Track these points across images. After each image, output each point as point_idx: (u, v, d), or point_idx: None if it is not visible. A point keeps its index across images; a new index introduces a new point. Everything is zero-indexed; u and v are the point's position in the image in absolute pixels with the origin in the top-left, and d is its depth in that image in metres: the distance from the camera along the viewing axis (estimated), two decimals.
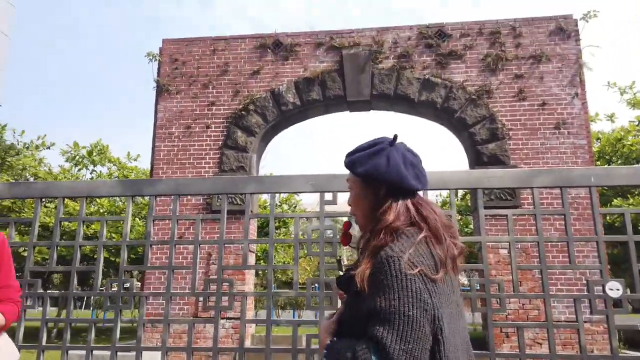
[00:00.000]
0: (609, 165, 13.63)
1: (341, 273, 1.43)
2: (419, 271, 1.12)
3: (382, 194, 1.29)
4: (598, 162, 13.20)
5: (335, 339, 1.23)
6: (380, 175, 1.27)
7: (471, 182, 3.57)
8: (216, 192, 3.82)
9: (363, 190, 1.34)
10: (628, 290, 3.25)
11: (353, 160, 1.35)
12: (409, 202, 1.28)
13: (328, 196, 3.99)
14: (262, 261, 18.75)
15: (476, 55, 8.02)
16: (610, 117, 13.30)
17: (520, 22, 8.08)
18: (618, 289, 3.25)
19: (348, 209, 1.45)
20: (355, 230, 1.46)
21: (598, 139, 13.77)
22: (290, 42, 8.40)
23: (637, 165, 3.00)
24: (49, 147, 19.44)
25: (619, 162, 13.20)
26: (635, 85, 12.39)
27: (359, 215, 1.38)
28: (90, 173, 18.83)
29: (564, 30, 7.92)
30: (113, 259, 15.08)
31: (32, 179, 18.73)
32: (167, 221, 7.65)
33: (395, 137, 1.35)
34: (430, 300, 1.11)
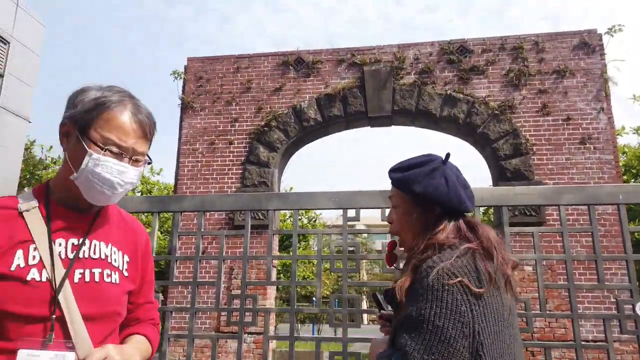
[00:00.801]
0: (636, 179, 13.30)
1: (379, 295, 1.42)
2: (458, 281, 1.06)
3: (435, 214, 1.24)
4: (625, 177, 12.90)
5: (381, 351, 1.21)
6: (440, 196, 1.22)
7: (497, 199, 3.54)
8: (239, 208, 3.87)
9: (414, 209, 1.28)
10: None
11: (407, 178, 1.27)
12: (460, 222, 1.24)
13: (350, 212, 4.01)
14: (281, 275, 18.75)
15: (498, 71, 7.98)
16: (637, 130, 13.05)
17: (543, 37, 8.04)
18: None
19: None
20: (399, 250, 1.44)
21: (624, 152, 13.49)
22: (312, 59, 8.51)
23: None
24: None
25: None
26: None
27: (407, 234, 1.31)
28: None
29: (588, 44, 7.85)
30: None
31: None
32: (190, 236, 7.76)
33: (448, 155, 1.30)
34: (469, 313, 1.04)
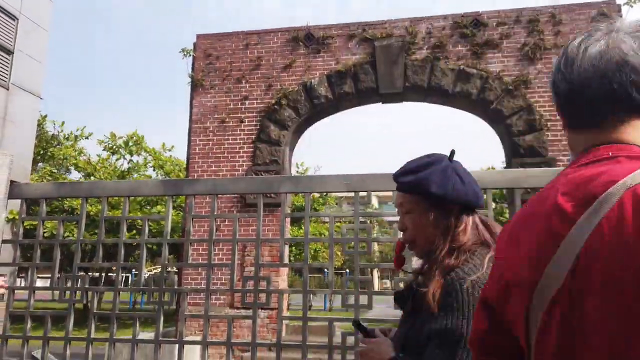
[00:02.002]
0: None
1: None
2: None
3: (455, 213, 1.22)
4: None
5: (401, 355, 1.19)
6: (460, 194, 1.21)
7: (509, 182, 3.52)
8: (252, 191, 3.89)
9: (431, 211, 1.24)
10: None
11: (422, 179, 1.23)
12: (477, 219, 1.24)
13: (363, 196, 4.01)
14: (293, 248, 18.98)
15: (513, 44, 7.81)
16: None
17: (559, 8, 7.81)
18: None
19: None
20: (408, 253, 1.42)
21: None
22: (322, 34, 8.39)
23: None
24: (87, 138, 20.14)
25: None
26: None
27: (421, 239, 1.27)
28: (128, 162, 19.39)
29: (606, 16, 7.61)
30: (150, 246, 15.57)
31: (72, 168, 19.48)
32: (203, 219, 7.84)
33: (453, 152, 1.28)
34: None
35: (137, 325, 3.71)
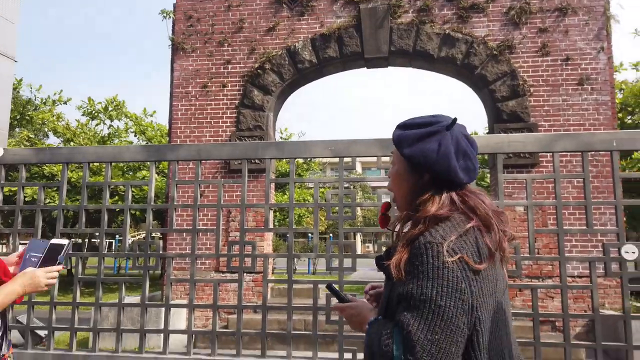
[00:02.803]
0: (633, 117, 13.28)
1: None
2: (459, 258, 1.06)
3: (424, 181, 1.20)
4: (620, 114, 12.86)
5: (379, 317, 1.20)
6: (427, 162, 1.18)
7: (492, 147, 3.57)
8: (236, 157, 3.89)
9: (406, 171, 1.25)
10: None
11: (402, 137, 1.23)
12: (453, 193, 1.19)
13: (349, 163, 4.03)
14: (277, 213, 19.09)
15: (499, 8, 7.73)
16: (636, 66, 12.83)
17: None
18: (634, 252, 3.29)
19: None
20: (394, 212, 1.42)
21: (622, 89, 13.36)
22: None
23: None
24: (65, 103, 19.62)
25: None
26: None
27: (397, 194, 1.29)
28: (108, 128, 19.02)
29: None
30: (133, 212, 15.48)
31: (51, 134, 19.06)
32: (187, 185, 7.78)
33: (455, 120, 1.23)
34: (468, 290, 1.05)
35: (123, 289, 3.74)
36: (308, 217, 23.98)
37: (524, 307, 6.50)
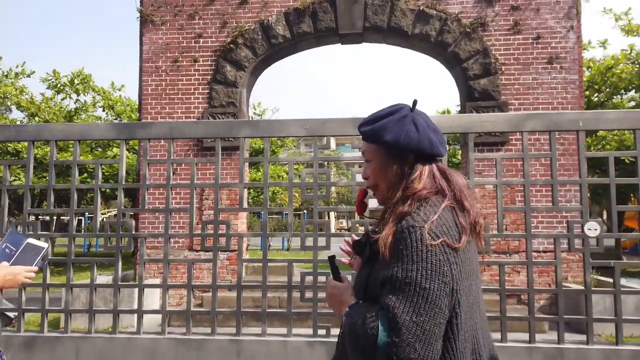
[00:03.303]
0: (599, 94, 13.62)
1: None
2: (441, 242, 1.10)
3: (410, 161, 1.25)
4: (587, 92, 13.17)
5: (360, 301, 1.23)
6: (412, 142, 1.23)
7: (463, 126, 3.63)
8: (210, 136, 3.84)
9: (389, 159, 1.28)
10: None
11: (377, 128, 1.28)
12: (434, 167, 1.26)
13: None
14: (251, 190, 18.99)
15: None
16: (603, 44, 13.07)
17: None
18: (596, 229, 3.43)
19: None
20: (370, 200, 1.45)
21: (589, 67, 13.64)
22: None
23: (625, 110, 3.06)
24: (29, 76, 18.80)
25: (608, 91, 13.19)
26: (631, 11, 12.13)
27: (382, 186, 1.32)
28: (75, 102, 18.41)
29: None
30: (104, 190, 15.15)
31: (14, 108, 18.31)
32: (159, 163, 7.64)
33: (415, 102, 1.30)
34: (449, 273, 1.10)
35: (95, 270, 3.70)
36: (282, 193, 23.94)
37: (492, 281, 6.73)
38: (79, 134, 3.85)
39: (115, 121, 18.99)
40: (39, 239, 2.02)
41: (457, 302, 1.12)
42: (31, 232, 3.70)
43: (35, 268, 1.82)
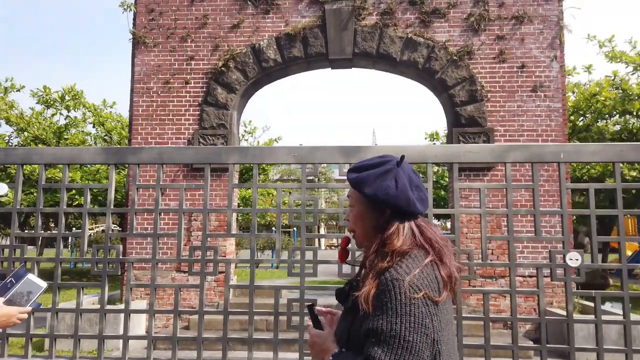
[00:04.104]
0: (584, 118, 13.91)
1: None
2: (423, 295, 1.14)
3: (387, 215, 1.29)
4: (572, 117, 13.46)
5: (343, 350, 1.26)
6: (389, 198, 1.27)
7: (448, 156, 3.71)
8: (199, 161, 3.88)
9: (367, 210, 1.33)
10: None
11: (360, 179, 1.32)
12: (413, 224, 1.28)
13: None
14: (241, 206, 18.98)
15: (460, 14, 7.95)
16: (588, 69, 13.39)
17: None
18: (577, 259, 3.51)
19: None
20: (353, 246, 1.49)
21: (574, 92, 13.95)
22: None
23: (604, 143, 3.17)
24: (18, 90, 18.75)
25: (593, 116, 13.49)
26: (614, 39, 12.49)
27: (358, 232, 1.37)
28: (65, 118, 18.35)
29: None
30: (92, 205, 15.03)
31: (2, 122, 18.18)
32: (148, 182, 7.65)
33: (403, 157, 1.34)
34: (431, 325, 1.14)
35: (82, 294, 3.68)
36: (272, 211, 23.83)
37: (478, 305, 6.78)
38: (69, 158, 3.87)
39: (105, 137, 18.94)
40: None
41: (438, 352, 1.16)
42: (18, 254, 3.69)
43: (29, 309, 1.82)
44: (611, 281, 13.46)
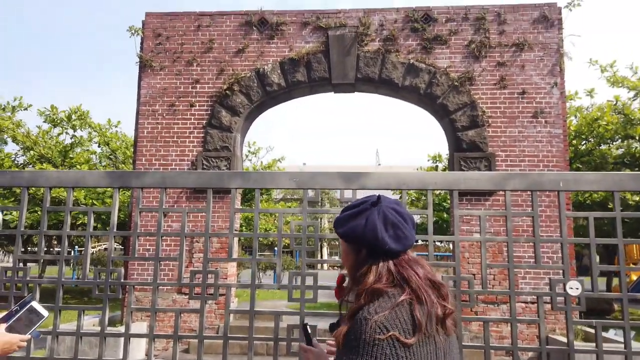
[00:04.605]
0: (586, 143, 13.95)
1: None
2: (390, 336, 1.10)
3: (362, 255, 1.29)
4: (575, 141, 13.51)
5: None
6: (357, 237, 1.28)
7: (449, 183, 3.74)
8: (201, 186, 3.92)
9: (347, 249, 1.36)
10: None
11: (337, 219, 1.37)
12: (390, 263, 1.26)
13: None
14: (244, 227, 18.97)
15: (461, 41, 8.08)
16: (590, 92, 13.48)
17: (505, 8, 8.14)
18: (577, 288, 3.51)
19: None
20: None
21: (576, 116, 14.02)
22: (276, 20, 8.33)
23: (603, 172, 3.19)
24: (26, 109, 19.00)
25: (594, 141, 13.54)
26: (616, 64, 12.60)
27: (346, 269, 1.39)
28: (71, 138, 18.54)
29: (547, 18, 8.02)
30: (95, 224, 15.05)
31: (9, 140, 18.37)
32: (151, 205, 7.70)
33: (378, 198, 1.34)
34: None
35: (82, 317, 3.69)
36: (274, 230, 23.84)
37: (480, 331, 6.73)
38: (74, 181, 3.92)
39: (110, 156, 19.08)
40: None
41: None
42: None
43: (29, 337, 1.86)
44: (616, 306, 13.31)
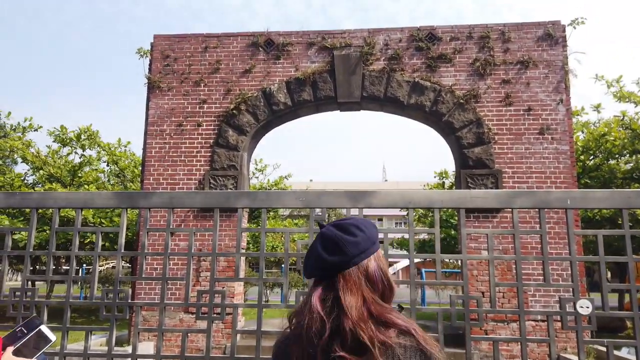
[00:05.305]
0: (594, 158, 13.89)
1: None
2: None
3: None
4: (582, 156, 13.45)
5: None
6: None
7: (455, 202, 3.74)
8: (208, 206, 3.94)
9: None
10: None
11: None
12: (315, 292, 1.14)
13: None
14: (251, 245, 18.94)
15: (465, 59, 8.15)
16: (597, 108, 13.46)
17: (509, 26, 8.22)
18: (588, 307, 3.46)
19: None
20: None
21: (583, 131, 13.99)
22: (282, 41, 8.45)
23: (611, 190, 3.18)
24: (36, 130, 19.28)
25: (602, 156, 13.49)
26: (622, 79, 12.60)
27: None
28: (80, 157, 18.74)
29: (551, 36, 8.08)
30: (103, 243, 15.11)
31: (20, 160, 18.61)
32: (158, 224, 7.73)
33: (321, 226, 1.25)
34: None
35: (90, 338, 3.69)
36: (281, 248, 23.82)
37: (490, 350, 6.63)
38: (82, 203, 3.95)
39: (119, 174, 19.24)
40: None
41: None
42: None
43: None
44: (629, 323, 13.09)
